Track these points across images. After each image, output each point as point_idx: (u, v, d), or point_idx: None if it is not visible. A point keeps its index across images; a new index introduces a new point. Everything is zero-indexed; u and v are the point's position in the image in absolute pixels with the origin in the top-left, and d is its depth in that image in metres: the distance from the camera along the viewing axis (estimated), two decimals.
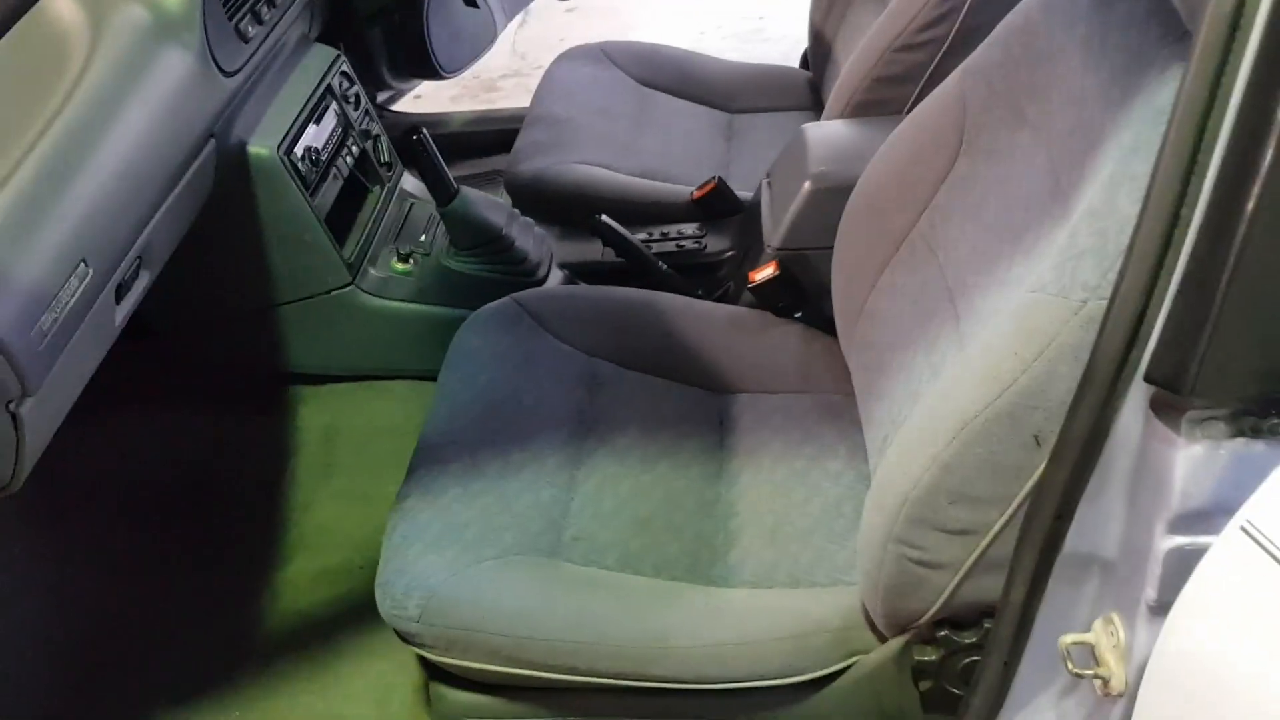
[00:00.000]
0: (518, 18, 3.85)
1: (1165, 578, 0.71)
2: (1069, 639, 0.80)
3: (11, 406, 0.95)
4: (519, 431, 1.30)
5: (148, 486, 1.66)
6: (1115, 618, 0.77)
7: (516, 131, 2.09)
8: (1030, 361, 0.85)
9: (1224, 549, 0.64)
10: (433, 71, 2.48)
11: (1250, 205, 0.59)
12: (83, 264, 1.03)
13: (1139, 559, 0.73)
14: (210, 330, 1.69)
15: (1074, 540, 0.78)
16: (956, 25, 1.52)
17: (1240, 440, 0.65)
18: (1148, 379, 0.66)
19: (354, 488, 1.61)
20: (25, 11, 1.18)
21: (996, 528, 0.92)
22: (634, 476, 1.27)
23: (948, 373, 1.02)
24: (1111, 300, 0.66)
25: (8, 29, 1.16)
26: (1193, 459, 0.66)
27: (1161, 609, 0.72)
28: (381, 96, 2.56)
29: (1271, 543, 0.62)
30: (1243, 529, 0.63)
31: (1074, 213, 0.93)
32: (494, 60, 3.52)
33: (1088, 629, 0.81)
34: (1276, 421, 0.64)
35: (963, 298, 1.12)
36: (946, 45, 1.54)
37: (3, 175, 1.00)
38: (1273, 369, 0.63)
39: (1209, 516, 0.68)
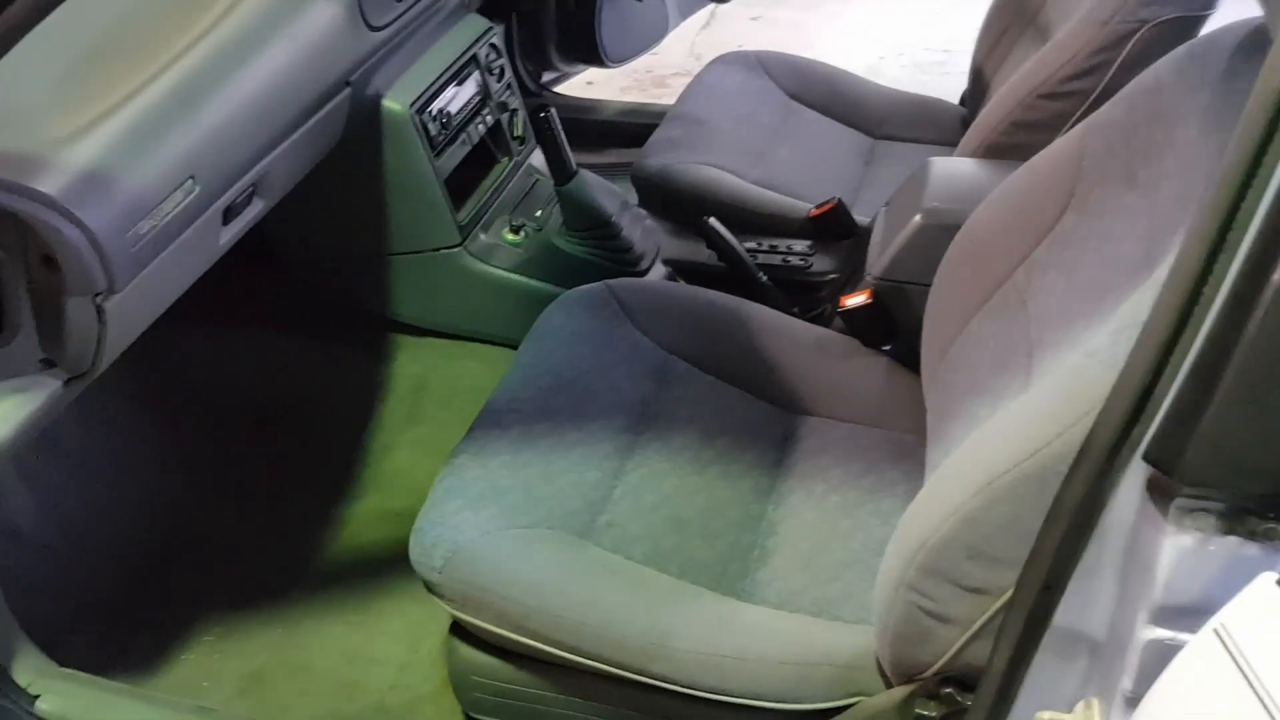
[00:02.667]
0: (701, 19, 3.89)
1: (1142, 669, 0.68)
2: (1046, 716, 0.77)
3: (99, 300, 1.02)
4: (580, 411, 1.32)
5: (246, 403, 1.75)
6: (1095, 703, 0.74)
7: None
8: (1067, 426, 0.82)
9: (1195, 650, 0.62)
10: (598, 59, 2.53)
11: (1266, 294, 0.56)
12: (190, 180, 1.09)
13: (1121, 645, 0.70)
14: (325, 268, 1.77)
15: (1066, 614, 0.75)
16: (1105, 80, 1.47)
17: (1233, 539, 0.61)
18: (1146, 458, 0.64)
19: (432, 439, 1.67)
20: None
21: (1012, 590, 0.89)
22: (681, 476, 1.28)
23: (989, 424, 0.99)
24: (1124, 370, 0.64)
25: None
26: (1180, 549, 0.63)
27: (1134, 702, 0.69)
28: (547, 76, 2.62)
29: (1241, 653, 0.59)
30: (1216, 632, 0.60)
31: (1155, 280, 0.89)
32: (670, 58, 3.57)
33: (1070, 708, 0.78)
34: (1270, 525, 0.60)
35: (1039, 354, 1.08)
36: (1092, 99, 1.48)
37: (137, 86, 1.07)
38: (1270, 466, 0.59)
39: (1191, 613, 0.65)
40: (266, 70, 1.22)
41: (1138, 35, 1.43)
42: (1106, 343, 0.83)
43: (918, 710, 1.02)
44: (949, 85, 3.48)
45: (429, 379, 1.74)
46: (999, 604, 0.91)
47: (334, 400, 1.74)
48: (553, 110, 1.59)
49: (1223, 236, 0.58)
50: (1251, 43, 0.97)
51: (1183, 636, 0.66)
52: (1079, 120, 1.49)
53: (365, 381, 1.74)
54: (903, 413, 1.40)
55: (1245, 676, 0.58)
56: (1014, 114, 1.55)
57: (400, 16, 1.51)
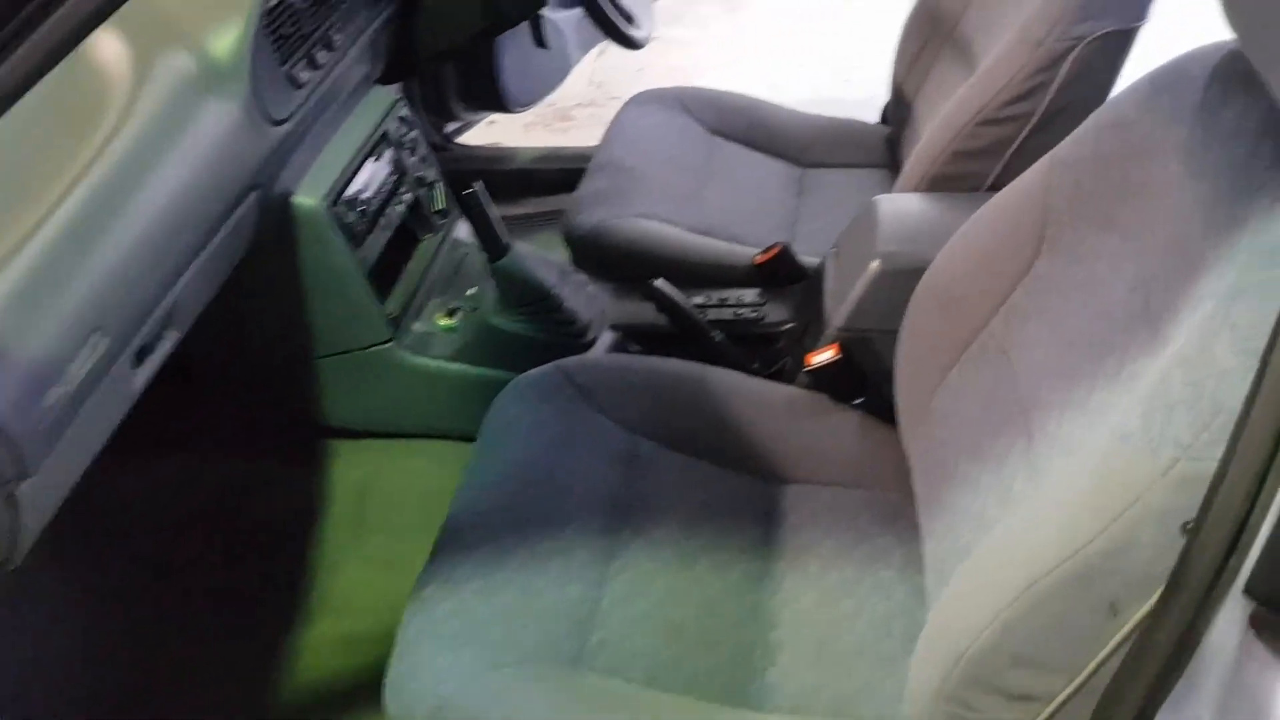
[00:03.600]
0: (596, 46, 3.82)
1: None
2: None
3: (9, 488, 0.89)
4: (550, 517, 1.23)
5: (179, 532, 1.62)
6: None
7: (583, 170, 2.03)
8: (1110, 521, 0.76)
9: None
10: (502, 105, 2.45)
11: None
12: (97, 333, 0.98)
13: None
14: (247, 379, 1.65)
15: None
16: (1045, 102, 1.42)
17: None
18: (1248, 593, 0.57)
19: (383, 552, 1.56)
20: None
21: (1062, 697, 0.83)
22: (670, 575, 1.19)
23: (1018, 513, 0.92)
24: (1209, 498, 0.57)
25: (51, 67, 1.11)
26: None
27: None
28: (450, 127, 2.53)
29: None
30: None
31: (1166, 346, 0.83)
32: (570, 89, 3.49)
33: None
34: None
35: (1037, 414, 1.02)
36: (1034, 121, 1.44)
37: (18, 240, 0.95)
38: None
39: None
40: (165, 189, 1.11)
41: (1074, 53, 1.39)
42: (1138, 426, 0.77)
43: None
44: (853, 95, 3.48)
45: (373, 485, 1.63)
46: (1048, 711, 0.84)
47: (274, 520, 1.62)
48: (478, 185, 1.49)
49: None
50: (1228, 70, 0.92)
51: None
52: (1023, 144, 1.46)
53: (303, 496, 1.62)
54: (884, 470, 1.34)
55: None
56: (955, 143, 1.50)
57: (302, 106, 1.40)
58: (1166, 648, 0.61)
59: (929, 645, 0.93)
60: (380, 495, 1.62)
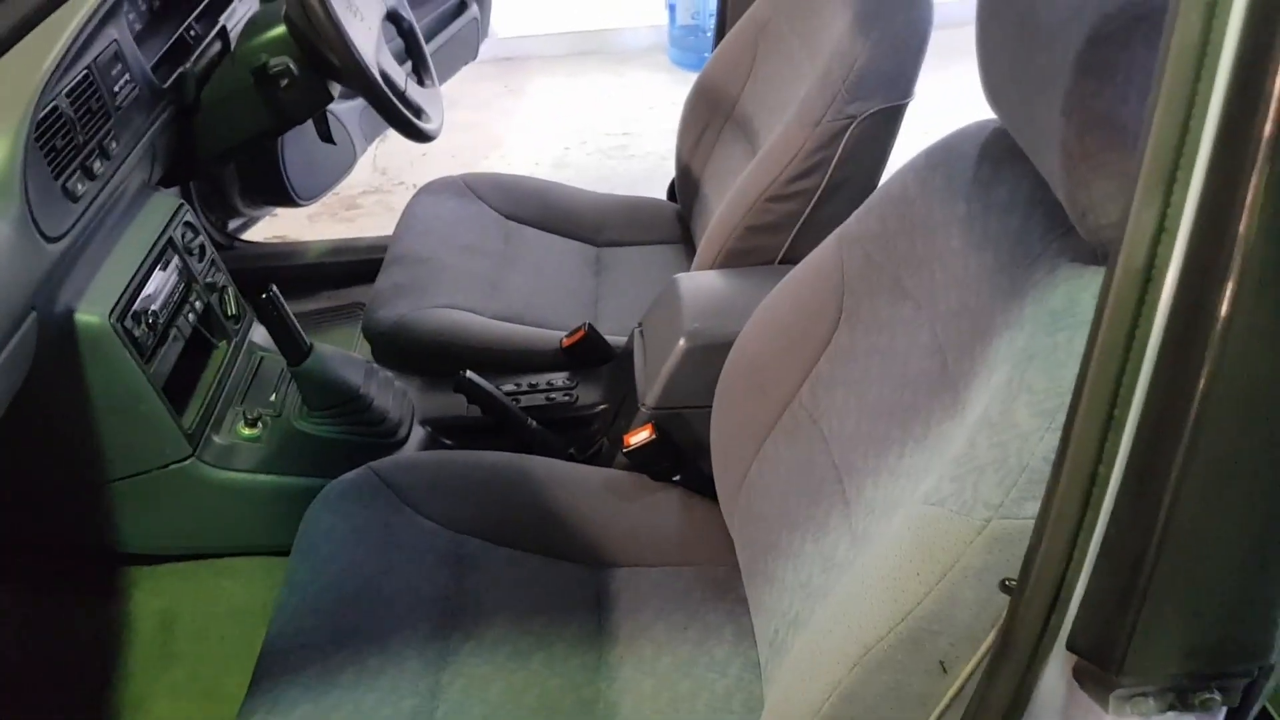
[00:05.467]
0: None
1: None
2: None
3: None
4: (376, 629, 1.18)
5: None
6: None
7: (377, 261, 2.00)
8: (933, 584, 0.79)
9: None
10: (288, 200, 2.39)
11: (1174, 471, 0.54)
12: None
13: None
14: (36, 508, 1.52)
15: None
16: (827, 177, 1.50)
17: (1170, 715, 0.59)
18: (1070, 648, 0.60)
19: (195, 681, 1.46)
20: None
21: None
22: (505, 677, 1.17)
23: (845, 581, 0.95)
24: (1028, 561, 0.61)
25: None
26: None
27: None
28: (233, 224, 2.44)
29: None
30: None
31: (966, 410, 0.89)
32: (355, 176, 3.44)
33: None
34: (1208, 696, 0.58)
35: (851, 481, 1.06)
36: (818, 196, 1.52)
37: None
38: (1206, 645, 0.58)
39: None
40: None
41: (849, 131, 1.48)
42: (951, 490, 0.81)
43: None
44: (636, 167, 3.58)
45: (177, 611, 1.53)
46: None
47: (68, 657, 1.49)
48: (274, 290, 1.44)
49: (1109, 415, 0.56)
50: (996, 147, 0.99)
51: None
52: (809, 217, 1.54)
53: (101, 629, 1.50)
54: (708, 544, 1.36)
55: None
56: (746, 219, 1.56)
57: (79, 219, 1.32)
58: (1001, 705, 0.64)
59: None
60: (188, 621, 1.52)
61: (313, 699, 1.10)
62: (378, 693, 1.11)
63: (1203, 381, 0.51)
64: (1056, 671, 0.62)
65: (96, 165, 1.38)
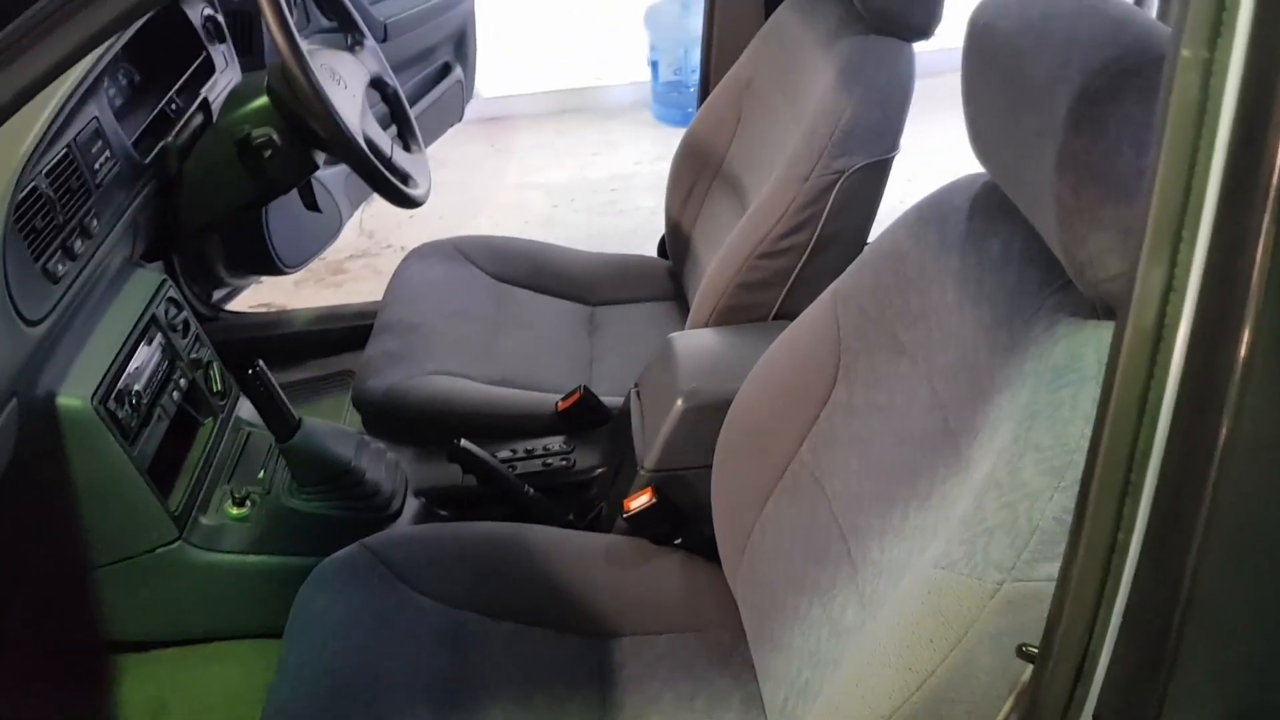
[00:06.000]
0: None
1: None
2: None
3: None
4: (373, 712, 1.15)
5: None
6: None
7: (366, 328, 1.97)
8: (948, 651, 0.77)
9: None
10: (274, 269, 2.36)
11: (1195, 539, 0.52)
12: None
13: None
14: (17, 597, 1.48)
15: None
16: (817, 232, 1.49)
17: None
18: (1097, 718, 0.58)
19: None
20: None
21: None
22: None
23: (856, 645, 0.92)
24: (1049, 632, 0.58)
25: None
26: None
27: None
28: (218, 295, 2.42)
29: None
30: None
31: (970, 469, 0.86)
32: (342, 240, 3.44)
33: None
34: None
35: (857, 542, 1.04)
36: (808, 251, 1.51)
37: None
38: (1236, 709, 0.55)
39: None
40: None
41: (837, 186, 1.47)
42: (961, 554, 0.79)
43: None
44: (625, 224, 3.58)
45: (168, 700, 1.48)
46: None
47: None
48: (260, 365, 1.42)
49: (1126, 480, 0.54)
50: (987, 201, 0.98)
51: None
52: (800, 273, 1.52)
53: (90, 718, 1.46)
54: (712, 608, 1.33)
55: None
56: (738, 276, 1.55)
57: (60, 300, 1.30)
58: None
59: None
60: (180, 709, 1.47)
61: None
62: None
63: (1221, 440, 0.49)
64: None
65: (77, 245, 1.37)
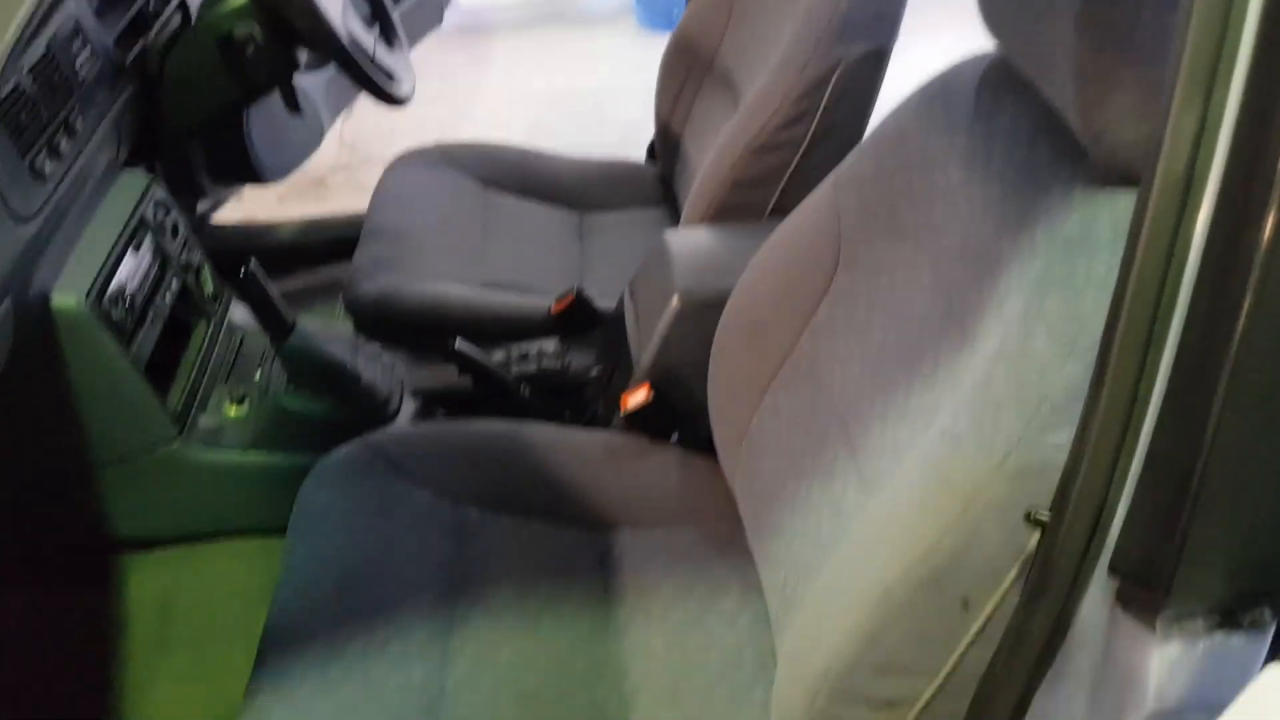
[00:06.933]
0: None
1: None
2: None
3: None
4: (381, 600, 1.16)
5: None
6: None
7: (352, 239, 1.96)
8: (953, 521, 0.78)
9: None
10: (256, 178, 2.33)
11: (1221, 384, 0.52)
12: None
13: None
14: (17, 500, 1.49)
15: None
16: (814, 124, 1.48)
17: (1219, 634, 0.58)
18: (1113, 570, 0.59)
19: (196, 666, 1.43)
20: None
21: (926, 696, 0.84)
22: (514, 641, 1.15)
23: (857, 523, 0.94)
24: (1067, 483, 0.59)
25: None
26: (1168, 658, 0.59)
27: None
28: (202, 206, 2.39)
29: None
30: None
31: (977, 344, 0.87)
32: (322, 153, 3.39)
33: None
34: (1257, 614, 0.57)
35: (857, 425, 1.04)
36: (805, 145, 1.49)
37: None
38: (1256, 561, 0.56)
39: (1184, 713, 0.61)
40: None
41: (835, 75, 1.45)
42: (968, 426, 0.79)
43: None
44: (611, 136, 3.54)
45: (175, 596, 1.50)
46: (915, 712, 0.86)
47: (64, 649, 1.46)
48: (253, 264, 1.41)
49: (1150, 330, 0.54)
50: (996, 78, 0.97)
51: None
52: (797, 168, 1.51)
53: (98, 619, 1.47)
54: (709, 503, 1.34)
55: None
56: (733, 173, 1.53)
57: (49, 199, 1.28)
58: (1040, 636, 0.62)
59: (792, 667, 0.93)
60: (185, 606, 1.49)
61: (320, 672, 1.08)
62: (386, 663, 1.09)
63: (1251, 288, 0.50)
64: (1098, 597, 0.61)
65: (63, 144, 1.34)
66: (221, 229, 2.40)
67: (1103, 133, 0.72)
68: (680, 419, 1.41)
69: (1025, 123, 0.89)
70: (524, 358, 1.67)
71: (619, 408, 1.40)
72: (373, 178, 2.17)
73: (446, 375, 1.65)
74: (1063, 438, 0.65)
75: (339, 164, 3.54)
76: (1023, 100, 0.90)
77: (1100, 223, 0.75)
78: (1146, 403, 0.55)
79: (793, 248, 1.22)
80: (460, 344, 1.56)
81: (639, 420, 1.39)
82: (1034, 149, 0.87)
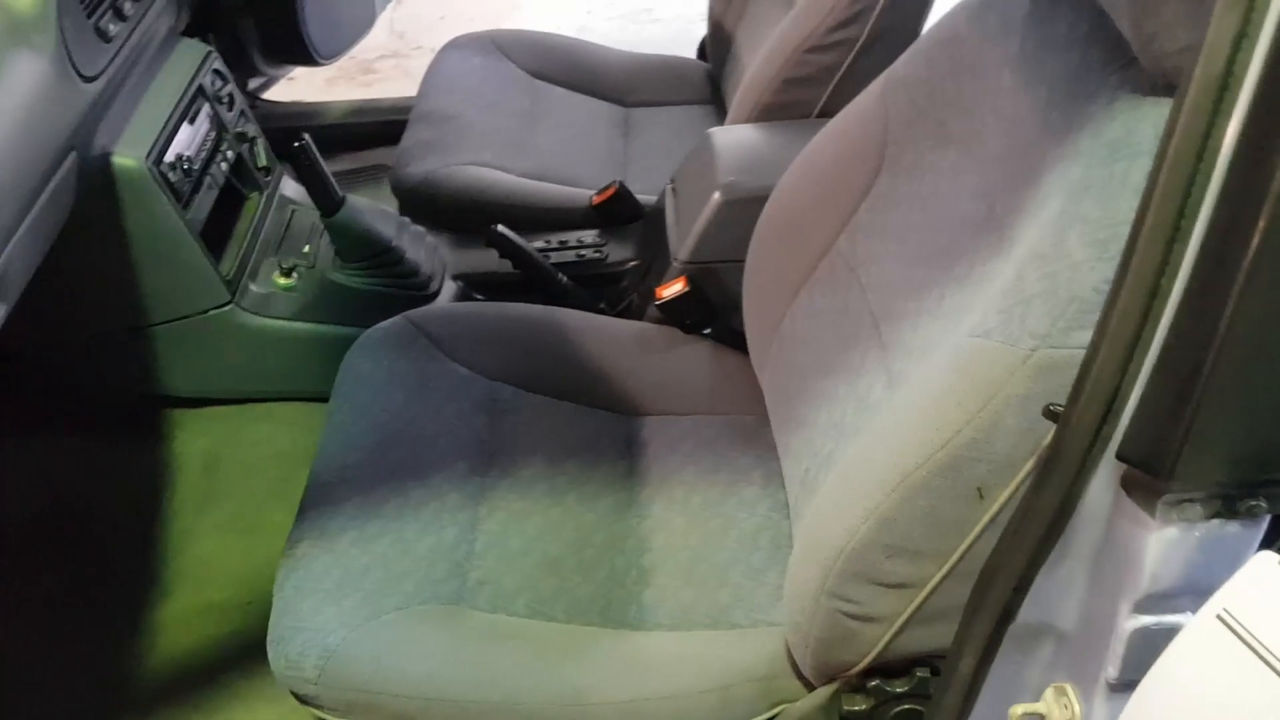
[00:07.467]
0: None
1: (1128, 656, 0.68)
2: (1020, 709, 0.76)
3: None
4: (417, 465, 1.22)
5: (14, 519, 1.52)
6: (1069, 689, 0.74)
7: (400, 123, 1.98)
8: (975, 412, 0.80)
9: (1198, 632, 0.61)
10: (308, 58, 2.34)
11: (1238, 281, 0.55)
12: None
13: (1098, 634, 0.70)
14: (76, 353, 1.55)
15: (1026, 609, 0.74)
16: (869, 25, 1.47)
17: (1215, 521, 0.61)
18: (1120, 457, 0.62)
19: (238, 518, 1.51)
20: None
21: (935, 580, 0.88)
22: (541, 512, 1.20)
23: (881, 415, 0.97)
24: (1084, 372, 0.62)
25: None
26: (1165, 541, 0.62)
27: (1122, 686, 0.69)
28: (253, 84, 2.41)
29: (1249, 631, 0.58)
30: (1220, 616, 0.59)
31: (1014, 247, 0.89)
32: (371, 40, 3.39)
33: (1036, 696, 0.78)
34: (1254, 503, 0.60)
35: (888, 325, 1.07)
36: (859, 46, 1.49)
37: None
38: (1255, 452, 0.59)
39: (1177, 596, 0.65)
40: None
41: None
42: (997, 322, 0.82)
43: (845, 707, 1.01)
44: (661, 33, 3.51)
45: (220, 453, 1.56)
46: (923, 595, 0.90)
47: (116, 497, 1.54)
48: (307, 138, 1.44)
49: (1176, 224, 0.56)
50: None
51: (1170, 619, 0.65)
52: (849, 69, 1.51)
53: (147, 469, 1.54)
54: (737, 395, 1.38)
55: (1256, 653, 0.58)
56: (783, 71, 1.53)
57: (113, 60, 1.31)
58: (1047, 515, 0.66)
59: (807, 547, 0.97)
60: (230, 463, 1.56)
61: (358, 527, 1.13)
62: (420, 523, 1.15)
63: (1274, 188, 0.52)
64: (1104, 481, 0.64)
65: (127, 6, 1.37)
66: (272, 106, 2.42)
67: (1153, 38, 0.73)
68: (713, 312, 1.44)
69: (1080, 28, 0.89)
70: (563, 246, 1.70)
71: (654, 299, 1.43)
72: (421, 66, 2.19)
73: (487, 260, 1.68)
74: (1088, 338, 0.68)
75: (388, 51, 3.53)
76: (1077, 6, 0.90)
77: (1143, 129, 0.77)
78: (1167, 296, 0.58)
79: (838, 147, 1.23)
80: (500, 228, 1.59)
81: (673, 311, 1.42)
82: (1087, 54, 0.87)
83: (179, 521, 1.50)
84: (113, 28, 1.33)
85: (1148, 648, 0.65)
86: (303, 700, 1.06)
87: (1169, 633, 0.63)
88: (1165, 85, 0.77)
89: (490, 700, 1.02)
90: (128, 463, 1.58)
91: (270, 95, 2.58)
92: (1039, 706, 0.76)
